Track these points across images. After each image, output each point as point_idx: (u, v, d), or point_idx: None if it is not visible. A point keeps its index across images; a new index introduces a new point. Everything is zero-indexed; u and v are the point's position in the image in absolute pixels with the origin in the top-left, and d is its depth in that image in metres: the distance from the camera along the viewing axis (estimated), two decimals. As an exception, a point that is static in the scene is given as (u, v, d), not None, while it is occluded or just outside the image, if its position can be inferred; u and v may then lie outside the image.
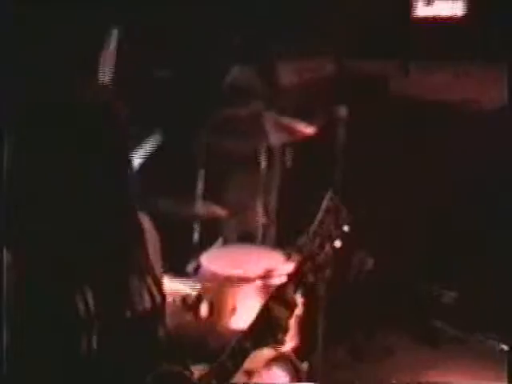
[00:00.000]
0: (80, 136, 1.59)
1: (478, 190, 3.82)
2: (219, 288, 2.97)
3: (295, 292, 1.79)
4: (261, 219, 3.87)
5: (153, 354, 1.70)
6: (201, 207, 3.60)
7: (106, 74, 3.13)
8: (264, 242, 3.86)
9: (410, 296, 3.83)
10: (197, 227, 3.68)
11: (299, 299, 1.83)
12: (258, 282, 3.08)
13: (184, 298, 2.69)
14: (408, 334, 3.70)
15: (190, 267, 3.46)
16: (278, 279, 3.01)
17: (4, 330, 1.53)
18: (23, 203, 1.60)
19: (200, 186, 3.66)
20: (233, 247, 3.63)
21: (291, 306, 1.78)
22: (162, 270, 1.81)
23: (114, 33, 3.10)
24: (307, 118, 3.53)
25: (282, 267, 3.10)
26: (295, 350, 3.00)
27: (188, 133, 3.72)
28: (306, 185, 3.67)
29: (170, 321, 1.79)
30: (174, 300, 2.54)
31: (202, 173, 3.68)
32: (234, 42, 3.84)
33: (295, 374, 2.84)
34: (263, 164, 3.77)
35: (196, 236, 3.70)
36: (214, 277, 3.11)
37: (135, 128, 1.73)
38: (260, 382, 2.62)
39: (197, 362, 1.78)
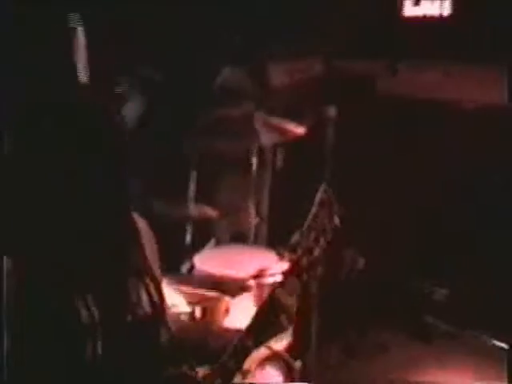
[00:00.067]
0: (76, 138, 1.60)
1: (468, 189, 3.85)
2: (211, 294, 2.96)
3: (297, 283, 1.80)
4: (253, 219, 3.89)
5: (155, 357, 1.71)
6: (193, 208, 3.61)
7: (82, 72, 3.11)
8: (256, 242, 3.88)
9: (401, 293, 3.85)
10: (189, 228, 3.69)
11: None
12: (251, 282, 3.10)
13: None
14: (401, 330, 3.73)
15: (184, 268, 3.47)
16: (271, 279, 3.03)
17: (4, 336, 1.53)
18: (20, 206, 1.60)
19: (192, 187, 3.67)
20: (225, 248, 3.65)
21: (295, 295, 1.79)
22: (159, 271, 1.81)
23: (80, 31, 3.08)
24: (297, 119, 3.55)
25: (274, 267, 3.12)
26: (288, 349, 3.02)
27: (179, 134, 3.73)
28: (297, 185, 3.69)
29: (169, 323, 1.80)
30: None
31: (193, 174, 3.69)
32: (224, 43, 3.86)
33: (289, 372, 2.86)
34: (254, 164, 3.79)
35: (188, 237, 3.71)
36: (207, 277, 3.12)
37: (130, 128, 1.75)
38: (254, 381, 2.64)
39: (199, 362, 1.79)
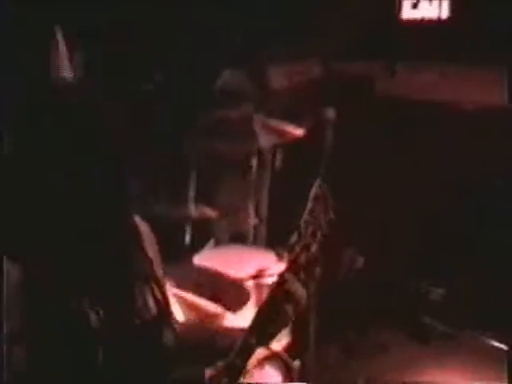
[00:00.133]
0: (74, 139, 1.61)
1: (465, 189, 3.87)
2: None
3: (296, 280, 1.81)
4: (252, 220, 3.91)
5: (161, 359, 1.72)
6: (192, 209, 3.63)
7: (63, 74, 3.11)
8: (255, 242, 3.90)
9: (399, 293, 3.87)
10: (188, 229, 3.71)
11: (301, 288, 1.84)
12: (250, 282, 3.12)
13: None
14: (399, 330, 3.74)
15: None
16: (271, 279, 3.05)
17: (4, 342, 1.54)
18: (24, 211, 1.61)
19: (191, 187, 3.69)
20: (225, 248, 3.67)
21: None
22: (162, 272, 1.83)
23: (59, 31, 3.08)
24: (296, 120, 3.57)
25: (273, 267, 3.14)
26: (287, 349, 3.03)
27: (179, 135, 3.75)
28: (295, 186, 3.71)
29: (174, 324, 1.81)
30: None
31: (193, 174, 3.71)
32: (224, 45, 3.88)
33: (287, 372, 2.87)
34: (254, 166, 3.81)
35: (188, 237, 3.73)
36: (206, 280, 3.13)
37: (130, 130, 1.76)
38: (253, 381, 2.65)
39: (205, 363, 1.80)
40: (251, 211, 3.91)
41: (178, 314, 2.69)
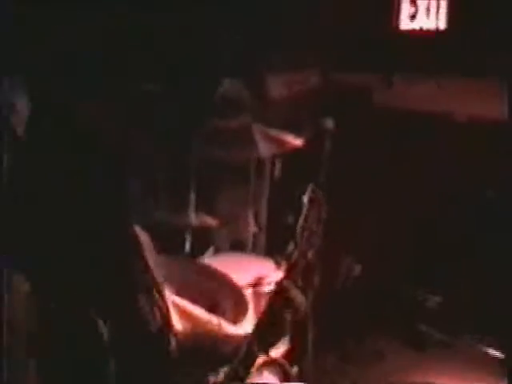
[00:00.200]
0: (79, 151, 1.64)
1: (461, 198, 3.92)
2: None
3: (295, 287, 1.85)
4: (251, 228, 3.94)
5: (166, 366, 1.74)
6: (192, 217, 3.66)
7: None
8: (254, 250, 3.94)
9: (396, 301, 3.90)
10: (188, 236, 3.74)
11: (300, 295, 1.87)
12: (249, 291, 3.15)
13: None
14: (396, 338, 3.77)
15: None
16: (270, 286, 3.08)
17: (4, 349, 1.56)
18: (32, 227, 1.63)
19: (192, 195, 3.72)
20: (224, 256, 3.70)
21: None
22: (163, 279, 1.86)
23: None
24: (295, 130, 3.61)
25: (272, 275, 3.17)
26: (286, 355, 3.06)
27: (179, 144, 3.78)
28: (294, 195, 3.74)
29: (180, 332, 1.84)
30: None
31: (193, 183, 3.75)
32: (224, 54, 3.91)
33: (285, 378, 2.90)
34: (253, 174, 3.85)
35: (188, 245, 3.76)
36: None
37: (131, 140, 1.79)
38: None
39: (210, 369, 1.83)
40: (250, 219, 3.95)
41: (176, 322, 2.71)
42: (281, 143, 3.57)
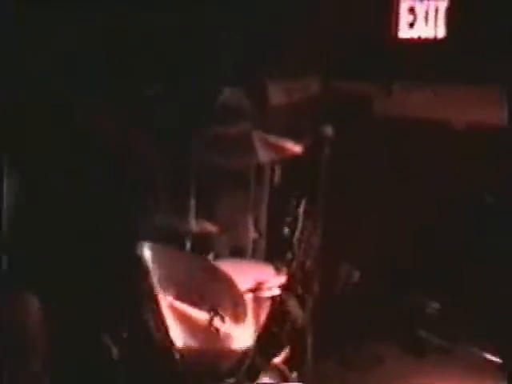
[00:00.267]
0: (80, 158, 1.65)
1: (459, 205, 3.94)
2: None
3: (294, 299, 1.87)
4: (251, 234, 3.96)
5: (173, 379, 1.75)
6: (193, 223, 3.68)
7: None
8: (254, 256, 3.96)
9: (395, 306, 3.92)
10: (189, 242, 3.76)
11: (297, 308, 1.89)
12: (249, 295, 3.17)
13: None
14: (395, 343, 3.78)
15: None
16: (269, 292, 3.10)
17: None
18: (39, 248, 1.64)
19: (192, 202, 3.74)
20: (224, 261, 3.72)
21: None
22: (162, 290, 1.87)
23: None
24: (295, 137, 3.63)
25: (272, 280, 3.19)
26: (285, 361, 3.07)
27: (179, 149, 3.80)
28: (293, 201, 3.76)
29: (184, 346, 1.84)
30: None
31: (193, 189, 3.77)
32: (225, 62, 3.94)
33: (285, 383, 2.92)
34: (253, 181, 3.87)
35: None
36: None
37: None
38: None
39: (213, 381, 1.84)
40: (250, 226, 3.97)
41: (175, 327, 2.73)
42: (280, 150, 3.59)
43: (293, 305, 1.84)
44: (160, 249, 2.79)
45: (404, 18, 4.06)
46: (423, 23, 4.04)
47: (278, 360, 2.97)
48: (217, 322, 2.82)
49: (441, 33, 4.00)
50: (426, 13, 4.02)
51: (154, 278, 2.56)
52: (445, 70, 3.87)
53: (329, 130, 3.43)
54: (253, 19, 3.94)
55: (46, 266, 1.65)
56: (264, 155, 3.61)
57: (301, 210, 1.90)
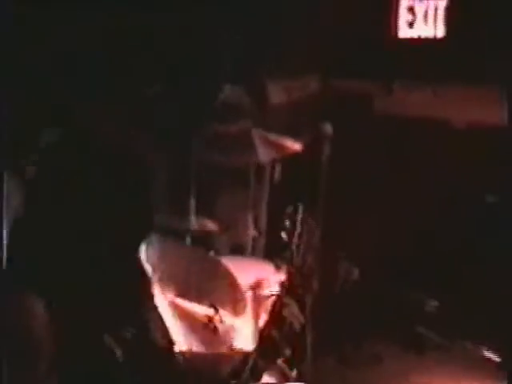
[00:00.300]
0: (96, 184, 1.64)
1: (460, 203, 3.95)
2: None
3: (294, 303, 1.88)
4: (251, 232, 3.97)
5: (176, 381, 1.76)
6: (193, 221, 3.69)
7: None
8: (254, 254, 3.97)
9: (394, 304, 3.92)
10: (189, 240, 3.77)
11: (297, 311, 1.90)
12: (249, 293, 3.17)
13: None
14: (395, 341, 3.79)
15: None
16: (269, 289, 3.11)
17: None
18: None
19: (192, 200, 3.75)
20: (224, 259, 3.73)
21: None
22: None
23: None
24: (295, 135, 3.65)
25: (272, 277, 3.20)
26: (285, 360, 3.08)
27: (179, 148, 3.81)
28: (293, 199, 3.77)
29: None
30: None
31: (193, 187, 3.77)
32: (225, 62, 3.95)
33: (285, 382, 2.92)
34: (253, 179, 3.88)
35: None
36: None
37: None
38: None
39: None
40: (250, 224, 3.98)
41: (176, 324, 2.74)
42: (280, 148, 3.60)
43: (293, 310, 1.86)
44: (162, 243, 2.80)
45: (403, 17, 4.07)
46: (423, 22, 4.05)
47: (278, 359, 2.98)
48: (216, 318, 2.84)
49: (440, 32, 4.01)
50: (426, 12, 4.03)
51: (156, 275, 2.58)
52: (445, 69, 3.88)
53: (328, 128, 3.45)
54: (253, 19, 3.95)
55: (48, 266, 1.66)
56: (264, 153, 3.62)
57: (300, 209, 1.91)
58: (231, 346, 2.69)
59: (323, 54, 3.98)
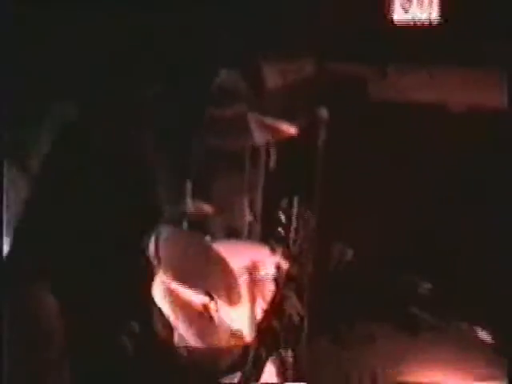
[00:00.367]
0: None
1: (454, 188, 3.97)
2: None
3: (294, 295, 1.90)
4: (247, 217, 3.99)
5: (179, 373, 1.78)
6: (189, 204, 3.71)
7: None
8: (250, 238, 3.99)
9: (388, 285, 3.95)
10: (185, 224, 3.78)
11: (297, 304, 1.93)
12: (245, 276, 3.21)
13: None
14: (389, 322, 3.81)
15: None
16: (265, 272, 3.14)
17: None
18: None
19: (188, 183, 3.77)
20: (219, 242, 3.75)
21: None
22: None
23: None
24: (290, 119, 3.66)
25: (267, 260, 3.23)
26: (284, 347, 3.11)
27: (176, 132, 3.82)
28: (288, 184, 3.80)
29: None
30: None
31: (189, 171, 3.79)
32: (220, 45, 3.95)
33: (280, 363, 2.96)
34: (248, 163, 3.89)
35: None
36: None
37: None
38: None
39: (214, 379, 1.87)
40: (246, 208, 4.00)
41: (172, 312, 2.76)
42: (276, 131, 3.62)
43: (294, 301, 1.89)
44: (167, 233, 2.82)
45: (398, 0, 4.06)
46: (418, 6, 4.04)
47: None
48: (212, 307, 2.87)
49: (437, 14, 4.00)
50: (421, -5, 4.03)
51: (159, 264, 2.60)
52: (441, 52, 3.88)
53: (324, 112, 3.46)
54: (253, 11, 3.95)
55: (54, 261, 1.68)
56: (259, 137, 3.64)
57: (293, 212, 1.94)
58: (228, 335, 2.73)
59: (318, 37, 3.98)
